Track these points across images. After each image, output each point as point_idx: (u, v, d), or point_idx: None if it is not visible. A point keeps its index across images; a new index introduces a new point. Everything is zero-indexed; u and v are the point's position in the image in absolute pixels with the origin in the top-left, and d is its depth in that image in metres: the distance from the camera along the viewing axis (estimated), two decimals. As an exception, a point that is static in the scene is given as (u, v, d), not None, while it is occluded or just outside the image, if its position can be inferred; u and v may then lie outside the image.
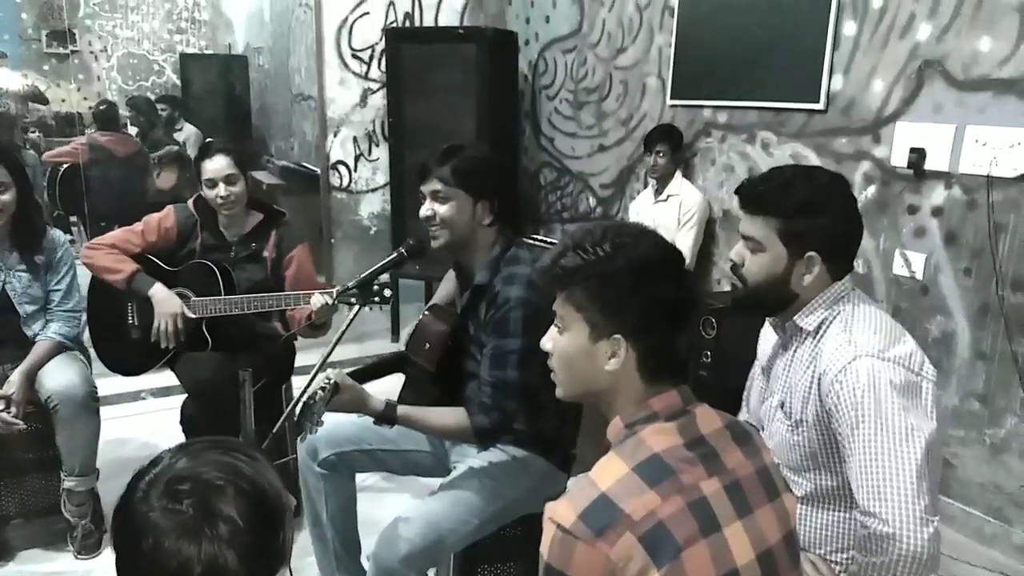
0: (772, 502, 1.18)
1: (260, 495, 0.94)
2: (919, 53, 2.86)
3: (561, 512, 1.07)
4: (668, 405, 1.17)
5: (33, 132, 7.16)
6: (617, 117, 4.36)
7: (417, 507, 1.83)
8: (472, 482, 1.86)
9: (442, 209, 1.84)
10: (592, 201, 4.65)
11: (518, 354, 1.78)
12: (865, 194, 3.09)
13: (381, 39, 4.92)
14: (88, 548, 2.56)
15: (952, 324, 2.83)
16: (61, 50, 9.00)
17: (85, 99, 8.63)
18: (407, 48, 4.47)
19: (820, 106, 3.21)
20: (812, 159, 3.28)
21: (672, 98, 3.95)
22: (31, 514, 2.63)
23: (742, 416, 1.84)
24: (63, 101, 8.59)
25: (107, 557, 2.55)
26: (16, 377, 2.44)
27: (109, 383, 2.68)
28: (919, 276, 2.91)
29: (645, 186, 4.09)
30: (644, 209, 3.92)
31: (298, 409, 1.70)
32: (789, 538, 1.19)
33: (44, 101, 8.05)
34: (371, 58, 5.07)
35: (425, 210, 1.87)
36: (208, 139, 6.48)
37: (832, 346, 1.51)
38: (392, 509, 1.86)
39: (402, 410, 1.81)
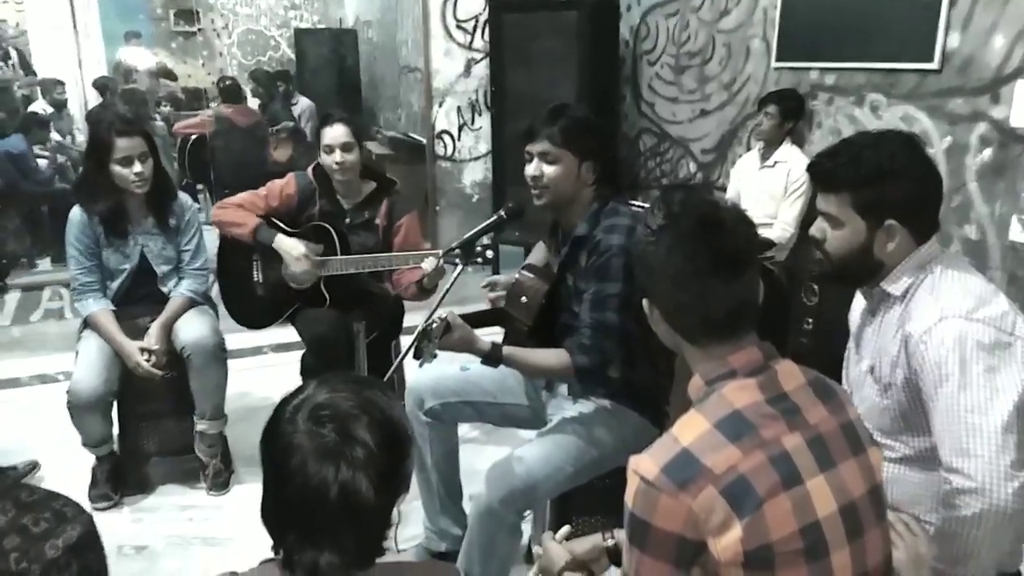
0: (856, 456, 1.19)
1: (391, 425, 1.06)
2: (1045, 6, 2.70)
3: (644, 465, 1.13)
4: (748, 361, 1.19)
5: (165, 106, 7.64)
6: (720, 81, 4.29)
7: (516, 453, 1.93)
8: (567, 432, 1.94)
9: (549, 170, 1.91)
10: (692, 167, 4.61)
11: (618, 298, 1.85)
12: (981, 157, 2.95)
13: (485, 9, 5.00)
14: (218, 485, 2.81)
15: (1073, 293, 2.70)
16: (187, 28, 9.54)
17: (209, 74, 9.15)
18: (510, 18, 4.54)
19: (934, 65, 3.08)
20: (924, 121, 3.16)
21: (777, 60, 3.86)
22: (168, 453, 2.90)
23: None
24: (189, 76, 9.13)
25: (235, 493, 2.80)
26: (154, 330, 2.68)
27: (233, 339, 2.91)
28: (1038, 243, 2.78)
29: (748, 150, 4.03)
30: (748, 174, 3.86)
31: (417, 336, 1.81)
32: (874, 492, 1.20)
33: (173, 77, 8.58)
34: (475, 28, 5.16)
35: (532, 169, 1.93)
36: (329, 112, 6.78)
37: (919, 308, 1.50)
38: (491, 461, 1.97)
39: (507, 350, 1.90)
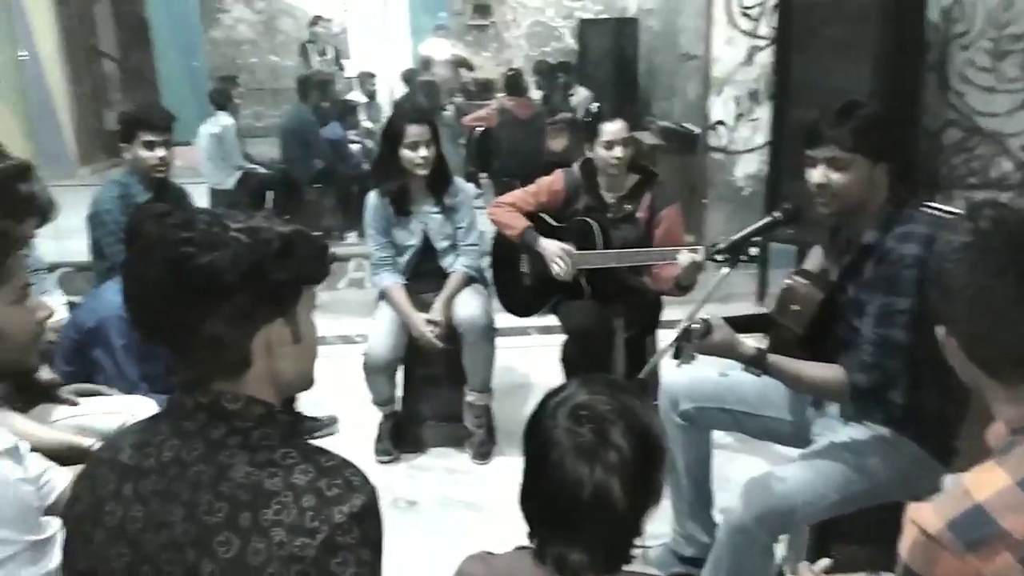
0: None
1: (645, 434, 1.08)
2: None
3: (926, 516, 1.02)
4: None
5: (457, 97, 8.25)
6: (1052, 68, 3.70)
7: (776, 472, 1.84)
8: (835, 458, 1.81)
9: (837, 177, 1.75)
10: (1008, 166, 4.04)
11: (907, 314, 1.68)
12: None
13: (774, -6, 4.76)
14: (482, 455, 3.02)
15: None
16: (482, 21, 10.21)
17: (498, 66, 9.72)
18: (800, 2, 4.28)
19: None
20: None
21: None
22: (441, 418, 3.19)
23: None
24: (480, 68, 9.76)
25: (496, 464, 2.98)
26: (438, 305, 2.95)
27: (501, 318, 3.11)
28: None
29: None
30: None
31: (677, 336, 1.82)
32: None
33: (471, 68, 9.23)
34: (760, 15, 4.94)
35: (818, 177, 1.77)
36: (598, 103, 6.92)
37: None
38: (745, 470, 1.90)
39: (772, 359, 1.81)
